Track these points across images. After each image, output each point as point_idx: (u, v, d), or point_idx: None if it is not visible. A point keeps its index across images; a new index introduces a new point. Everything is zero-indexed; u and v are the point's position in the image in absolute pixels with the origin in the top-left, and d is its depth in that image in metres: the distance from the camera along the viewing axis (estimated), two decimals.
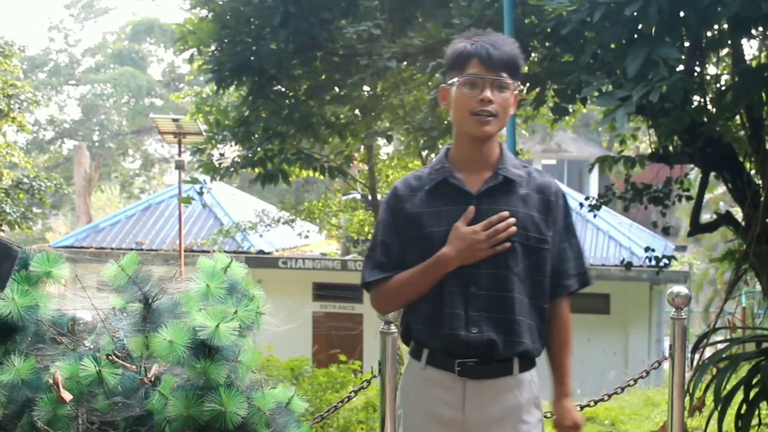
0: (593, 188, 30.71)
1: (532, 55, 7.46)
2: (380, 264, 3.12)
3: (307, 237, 18.59)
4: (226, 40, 8.31)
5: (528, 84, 7.57)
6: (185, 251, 15.60)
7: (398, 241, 3.10)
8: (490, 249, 2.97)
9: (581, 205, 8.86)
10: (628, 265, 9.33)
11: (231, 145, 9.72)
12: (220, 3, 8.24)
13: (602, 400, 4.35)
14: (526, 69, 7.85)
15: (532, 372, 3.12)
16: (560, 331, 3.15)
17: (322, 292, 19.50)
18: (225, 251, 2.90)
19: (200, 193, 10.39)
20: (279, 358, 11.29)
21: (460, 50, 3.06)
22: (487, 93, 2.98)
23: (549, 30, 6.36)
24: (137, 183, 42.19)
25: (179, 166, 14.52)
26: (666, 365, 4.47)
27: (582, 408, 4.83)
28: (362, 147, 12.16)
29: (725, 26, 5.86)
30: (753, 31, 5.71)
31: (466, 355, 3.01)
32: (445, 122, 9.04)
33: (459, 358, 3.02)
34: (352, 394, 3.97)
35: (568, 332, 3.18)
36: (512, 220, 2.99)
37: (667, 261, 8.48)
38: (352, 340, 18.13)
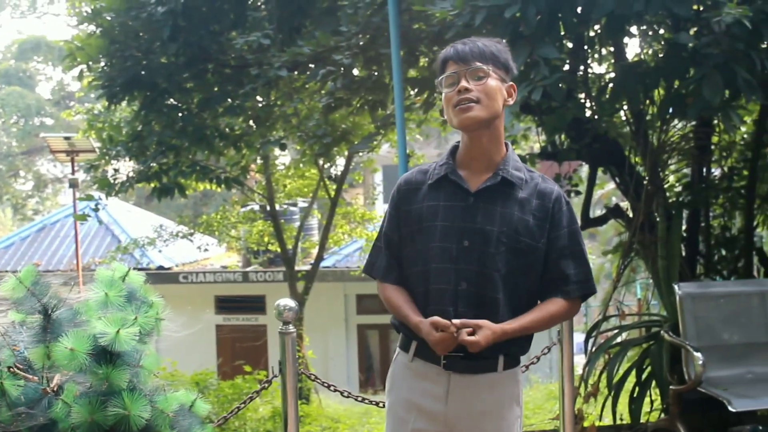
0: None
1: (420, 59, 7.63)
2: (381, 258, 3.26)
3: (206, 250, 18.50)
4: (116, 55, 8.28)
5: (417, 89, 7.74)
6: (83, 270, 15.41)
7: (398, 235, 3.20)
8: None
9: None
10: None
11: (125, 161, 9.67)
12: (108, 18, 8.20)
13: None
14: (415, 73, 8.02)
15: (516, 369, 3.19)
16: (544, 309, 3.12)
17: (225, 304, 19.42)
18: None
19: (96, 210, 10.30)
20: (184, 372, 11.25)
21: (440, 58, 3.18)
22: (463, 83, 3.05)
23: (434, 34, 6.51)
24: (30, 204, 41.21)
25: (73, 184, 14.37)
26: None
27: None
28: (258, 158, 12.19)
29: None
30: (629, 29, 5.92)
31: (453, 349, 3.05)
32: (340, 129, 9.17)
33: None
34: (254, 394, 4.03)
35: (548, 313, 3.12)
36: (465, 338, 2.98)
37: None
38: (257, 351, 18.06)
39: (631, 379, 6.38)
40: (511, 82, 3.17)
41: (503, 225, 3.05)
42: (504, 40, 3.30)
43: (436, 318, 2.99)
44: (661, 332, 5.89)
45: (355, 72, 7.71)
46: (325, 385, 4.37)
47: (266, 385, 3.96)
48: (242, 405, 3.94)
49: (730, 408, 5.10)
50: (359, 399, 4.59)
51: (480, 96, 3.05)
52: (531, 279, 3.12)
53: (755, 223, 7.22)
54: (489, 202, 3.08)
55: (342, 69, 7.27)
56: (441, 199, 3.12)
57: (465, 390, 3.10)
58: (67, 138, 14.04)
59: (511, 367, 3.16)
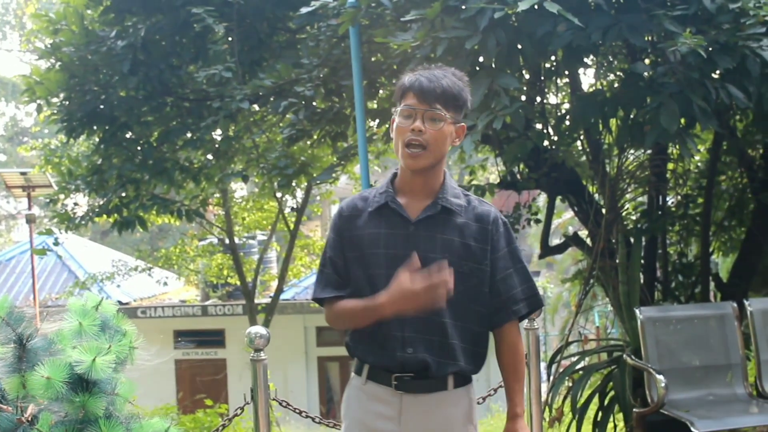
0: None
1: (380, 91, 7.70)
2: (330, 280, 3.24)
3: (165, 284, 18.40)
4: (75, 90, 8.28)
5: (377, 120, 7.81)
6: (40, 306, 15.25)
7: (343, 258, 3.21)
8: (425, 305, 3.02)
9: None
10: None
11: (84, 195, 9.64)
12: (68, 52, 8.19)
13: None
14: (375, 105, 8.08)
15: (467, 388, 3.24)
16: (509, 355, 3.25)
17: (184, 339, 19.30)
18: None
19: (56, 244, 10.25)
20: (144, 407, 11.15)
21: (401, 83, 3.17)
22: (418, 123, 3.06)
23: (395, 66, 6.56)
24: None
25: (30, 219, 14.24)
26: None
27: None
28: (217, 192, 12.18)
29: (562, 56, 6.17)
30: (586, 60, 6.02)
31: (402, 371, 3.14)
32: (299, 161, 9.20)
33: (396, 373, 3.14)
34: (227, 421, 4.04)
35: (517, 356, 3.27)
36: (449, 278, 2.99)
37: None
38: (217, 385, 17.99)
39: (594, 404, 6.45)
40: (462, 123, 3.19)
41: (444, 251, 3.11)
42: (464, 73, 3.32)
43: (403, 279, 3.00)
44: (624, 356, 5.97)
45: (316, 104, 7.75)
46: (297, 411, 4.39)
47: (239, 411, 3.97)
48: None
49: (693, 429, 5.18)
50: (331, 424, 4.62)
51: (430, 141, 3.07)
52: (480, 301, 3.18)
53: (711, 249, 7.35)
54: (429, 230, 3.14)
55: (303, 101, 7.31)
56: (382, 226, 3.17)
57: (417, 409, 3.16)
58: (23, 173, 13.95)
59: (462, 385, 3.22)
